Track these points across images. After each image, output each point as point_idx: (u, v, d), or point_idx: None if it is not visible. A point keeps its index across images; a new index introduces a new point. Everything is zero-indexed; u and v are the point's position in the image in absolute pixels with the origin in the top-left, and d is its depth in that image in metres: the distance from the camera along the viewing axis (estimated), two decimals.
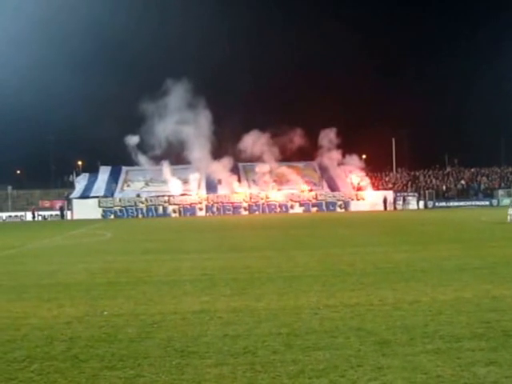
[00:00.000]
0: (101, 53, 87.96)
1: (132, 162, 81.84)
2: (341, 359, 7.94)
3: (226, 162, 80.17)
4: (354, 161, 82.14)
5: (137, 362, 8.01)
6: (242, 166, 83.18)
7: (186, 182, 78.78)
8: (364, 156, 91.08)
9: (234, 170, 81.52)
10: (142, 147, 79.70)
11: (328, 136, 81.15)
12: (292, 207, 75.29)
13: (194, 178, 79.31)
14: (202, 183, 79.67)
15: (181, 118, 78.74)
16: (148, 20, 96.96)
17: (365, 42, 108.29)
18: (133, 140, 79.97)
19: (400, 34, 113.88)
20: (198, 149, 79.04)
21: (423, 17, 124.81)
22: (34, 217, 75.22)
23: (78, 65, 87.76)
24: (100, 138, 79.50)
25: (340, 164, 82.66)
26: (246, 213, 74.26)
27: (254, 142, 79.81)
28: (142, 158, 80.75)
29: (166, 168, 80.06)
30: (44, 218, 75.64)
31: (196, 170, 79.72)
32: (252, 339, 9.09)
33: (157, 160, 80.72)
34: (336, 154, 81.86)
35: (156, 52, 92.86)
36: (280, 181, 79.36)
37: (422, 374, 7.27)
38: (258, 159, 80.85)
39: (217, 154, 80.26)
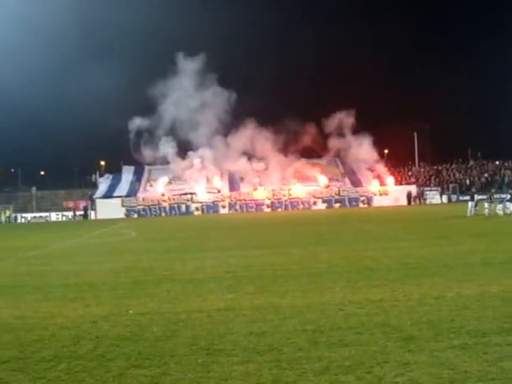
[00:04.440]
0: (116, 50, 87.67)
1: (155, 160, 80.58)
2: (367, 355, 7.92)
3: (236, 140, 79.10)
4: (365, 143, 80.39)
5: (163, 361, 8.05)
6: (261, 163, 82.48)
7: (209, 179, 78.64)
8: (386, 151, 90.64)
9: (253, 167, 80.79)
10: (151, 134, 78.39)
11: (341, 120, 79.97)
12: (315, 203, 75.04)
13: (202, 153, 78.75)
14: (224, 180, 79.64)
15: (194, 99, 78.36)
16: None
17: (385, 33, 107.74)
18: (136, 123, 78.24)
19: (422, 25, 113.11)
20: (209, 128, 78.35)
21: (446, 7, 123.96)
22: (74, 216, 75.94)
23: (95, 64, 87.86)
24: (122, 137, 79.48)
25: (352, 147, 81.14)
26: (269, 210, 74.14)
27: (270, 137, 79.23)
28: (146, 149, 78.93)
29: (167, 146, 79.21)
30: (70, 217, 76.34)
31: (205, 147, 78.91)
32: (277, 336, 9.09)
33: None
34: (350, 139, 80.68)
35: (171, 39, 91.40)
36: (302, 177, 78.93)
37: (449, 370, 7.22)
38: (278, 155, 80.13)
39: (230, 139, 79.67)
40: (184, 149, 79.44)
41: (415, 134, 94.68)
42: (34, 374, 7.79)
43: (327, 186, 77.86)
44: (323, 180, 78.49)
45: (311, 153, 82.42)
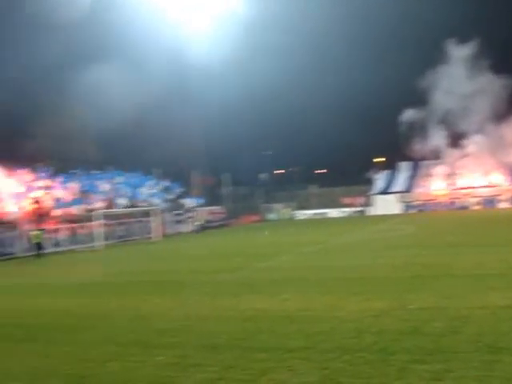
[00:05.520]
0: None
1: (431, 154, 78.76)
2: None
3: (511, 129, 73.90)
4: None
5: (445, 357, 7.96)
6: None
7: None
8: None
9: None
10: (423, 126, 76.49)
11: None
12: None
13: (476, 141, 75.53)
14: (503, 172, 75.72)
15: (466, 87, 75.19)
16: None
17: None
18: (408, 116, 76.69)
19: None
20: (482, 117, 74.34)
21: None
22: (354, 212, 78.78)
23: (365, 59, 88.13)
24: (397, 132, 79.07)
25: None
26: None
27: None
28: (417, 142, 77.16)
29: (438, 137, 76.54)
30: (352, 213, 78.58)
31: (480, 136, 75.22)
32: None
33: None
34: None
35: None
36: None
37: None
38: None
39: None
40: (455, 140, 76.98)
41: None
42: (319, 363, 8.15)
43: None
44: None
45: None
